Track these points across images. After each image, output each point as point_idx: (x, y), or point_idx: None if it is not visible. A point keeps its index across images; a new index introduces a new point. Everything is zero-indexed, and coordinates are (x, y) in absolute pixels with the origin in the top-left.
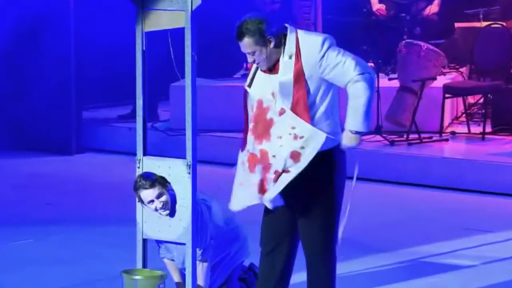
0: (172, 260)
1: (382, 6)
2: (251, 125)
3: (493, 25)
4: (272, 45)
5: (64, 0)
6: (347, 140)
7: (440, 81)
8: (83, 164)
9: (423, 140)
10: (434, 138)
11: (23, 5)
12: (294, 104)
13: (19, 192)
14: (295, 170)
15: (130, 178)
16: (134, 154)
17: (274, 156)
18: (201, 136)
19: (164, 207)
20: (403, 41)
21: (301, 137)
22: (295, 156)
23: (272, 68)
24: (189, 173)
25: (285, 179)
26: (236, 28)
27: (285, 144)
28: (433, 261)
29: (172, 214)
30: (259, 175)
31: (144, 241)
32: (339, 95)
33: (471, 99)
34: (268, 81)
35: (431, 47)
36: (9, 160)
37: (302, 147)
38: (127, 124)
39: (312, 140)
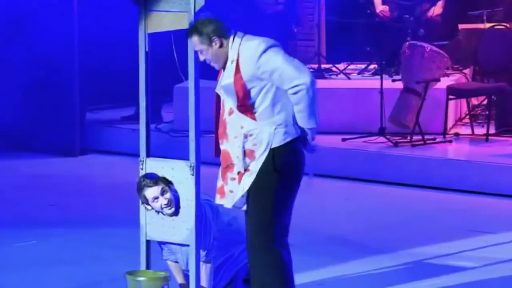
0: (176, 262)
1: (386, 8)
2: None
3: (496, 27)
4: (217, 46)
5: (67, 1)
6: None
7: (444, 82)
8: (86, 165)
9: (427, 142)
10: (437, 140)
11: (26, 5)
12: (239, 104)
13: (22, 193)
14: (254, 167)
15: (133, 180)
16: (138, 156)
17: (237, 157)
18: (205, 138)
19: (168, 204)
20: (407, 43)
21: (251, 135)
22: (249, 154)
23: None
24: (192, 175)
25: (248, 180)
26: (188, 25)
27: (240, 144)
28: (436, 262)
29: (176, 214)
30: (220, 180)
31: (148, 242)
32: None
33: (474, 101)
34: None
35: (434, 48)
36: (13, 161)
37: (254, 144)
38: (131, 125)
39: (262, 136)
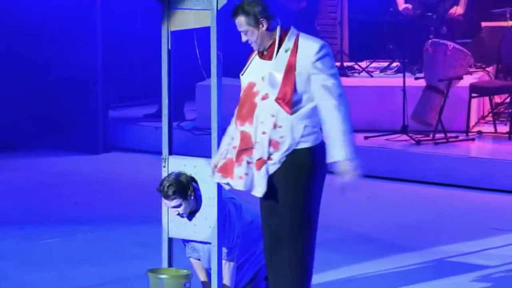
0: (198, 259)
1: (409, 6)
2: (236, 110)
3: None
4: (264, 27)
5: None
6: (341, 168)
7: (467, 80)
8: (110, 163)
9: (449, 140)
10: (460, 138)
11: (50, 4)
12: (279, 95)
13: (47, 190)
14: (276, 157)
15: (157, 177)
16: (161, 153)
17: (257, 142)
18: None
19: (180, 215)
20: (430, 41)
21: (280, 126)
22: (274, 144)
23: (266, 54)
24: None
25: (272, 168)
26: (233, 6)
27: (267, 131)
28: (460, 260)
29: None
30: (232, 159)
31: (170, 240)
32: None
33: (497, 99)
34: (261, 66)
35: (457, 46)
36: (37, 159)
37: (281, 137)
38: (154, 123)
39: (291, 131)
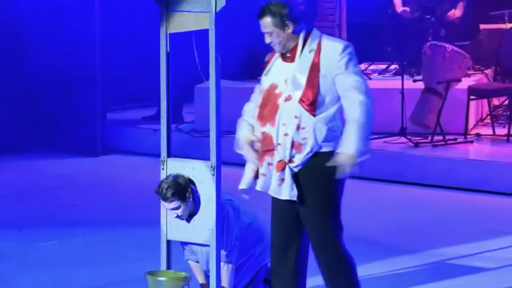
0: (197, 262)
1: (407, 9)
2: (257, 110)
3: None
4: (290, 30)
5: (89, 2)
6: (343, 160)
7: (465, 82)
8: (108, 165)
9: (448, 142)
10: (458, 140)
11: (48, 6)
12: (303, 96)
13: (46, 193)
14: (298, 159)
15: (155, 180)
16: (159, 156)
17: (279, 144)
18: (225, 138)
19: (178, 217)
20: (428, 43)
21: (303, 128)
22: (297, 146)
23: (289, 56)
24: (213, 175)
25: (294, 170)
26: (260, 7)
27: (289, 133)
28: (459, 263)
29: (189, 218)
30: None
31: (168, 242)
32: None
33: (496, 101)
34: (284, 68)
35: (456, 48)
36: (35, 162)
37: (304, 138)
38: (152, 125)
39: (314, 134)
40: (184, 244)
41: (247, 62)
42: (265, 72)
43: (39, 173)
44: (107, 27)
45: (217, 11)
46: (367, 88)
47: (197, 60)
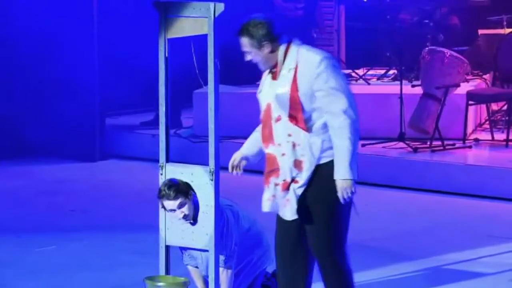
0: (196, 267)
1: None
2: (261, 128)
3: None
4: (267, 50)
5: (87, 8)
6: (341, 187)
7: (464, 88)
8: (106, 171)
9: (446, 147)
10: (457, 145)
11: (47, 13)
12: (290, 115)
13: (43, 198)
14: (301, 179)
15: (153, 185)
16: (158, 161)
17: (283, 164)
18: (224, 143)
19: (185, 218)
20: (427, 48)
21: (299, 145)
22: (297, 164)
23: (274, 71)
24: (212, 180)
25: (299, 191)
26: (240, 25)
27: (287, 153)
28: (456, 268)
29: (194, 222)
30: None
31: (167, 247)
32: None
33: (494, 106)
34: (272, 86)
35: (454, 54)
36: (33, 167)
37: (302, 155)
38: (151, 130)
39: (310, 148)
40: (183, 249)
41: (245, 67)
42: (258, 90)
43: (37, 178)
44: (106, 32)
45: (215, 16)
46: (346, 102)
47: (195, 65)
